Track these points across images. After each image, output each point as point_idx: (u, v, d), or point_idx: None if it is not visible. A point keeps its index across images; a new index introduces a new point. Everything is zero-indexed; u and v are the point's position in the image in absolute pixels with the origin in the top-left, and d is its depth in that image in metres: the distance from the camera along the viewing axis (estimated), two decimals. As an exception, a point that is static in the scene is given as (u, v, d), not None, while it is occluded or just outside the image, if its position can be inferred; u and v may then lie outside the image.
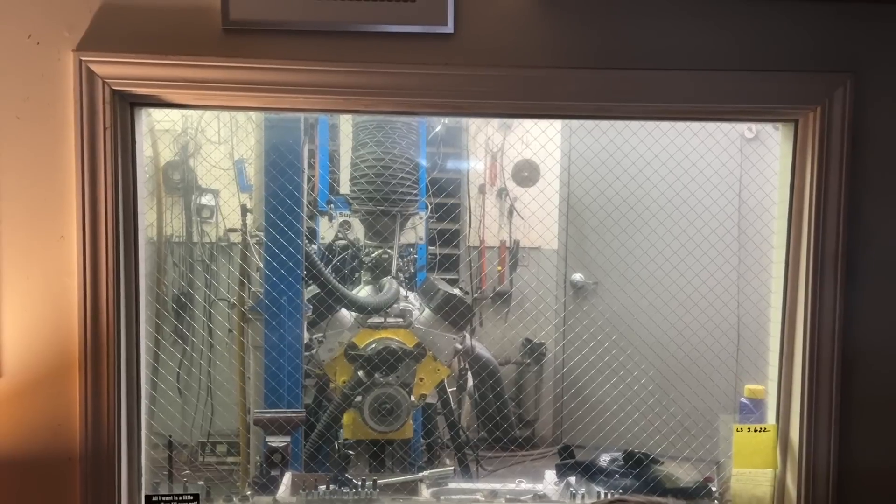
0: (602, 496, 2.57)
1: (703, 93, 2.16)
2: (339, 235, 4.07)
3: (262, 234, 3.46)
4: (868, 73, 2.18)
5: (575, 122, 3.53)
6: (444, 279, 4.46)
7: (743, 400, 2.55)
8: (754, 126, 4.14)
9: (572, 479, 2.71)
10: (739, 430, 2.38)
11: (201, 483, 2.66)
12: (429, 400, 3.88)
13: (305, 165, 3.54)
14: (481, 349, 4.20)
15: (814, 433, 2.26)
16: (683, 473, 2.73)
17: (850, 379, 2.26)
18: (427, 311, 3.84)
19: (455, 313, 3.73)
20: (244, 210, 3.77)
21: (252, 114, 3.67)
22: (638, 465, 2.64)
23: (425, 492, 2.85)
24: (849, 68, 2.17)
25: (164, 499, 2.30)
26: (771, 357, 2.39)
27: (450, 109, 2.30)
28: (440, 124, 4.35)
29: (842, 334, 2.23)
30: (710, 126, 2.95)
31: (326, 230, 4.17)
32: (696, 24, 2.14)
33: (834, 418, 2.25)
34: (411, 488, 2.87)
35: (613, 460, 2.68)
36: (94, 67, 2.03)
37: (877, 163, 2.21)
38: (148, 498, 2.28)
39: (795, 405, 2.29)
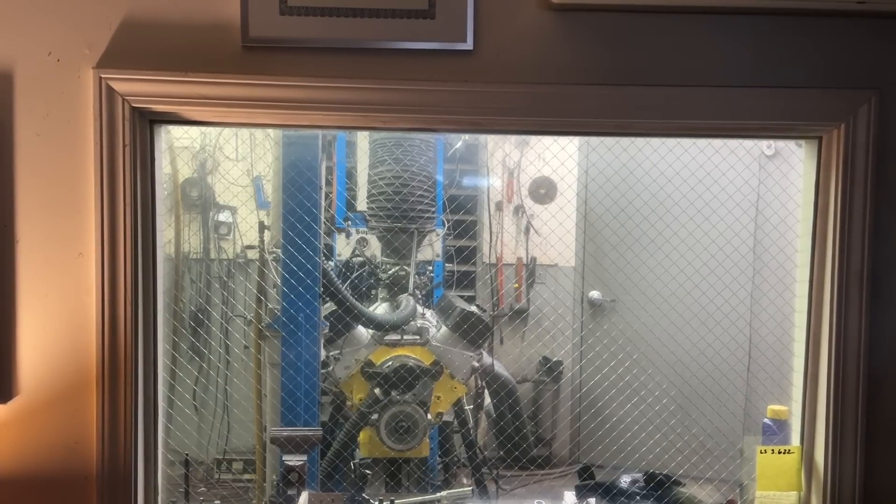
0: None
1: (725, 109, 2.14)
2: (356, 252, 4.07)
3: (279, 250, 3.45)
4: (892, 90, 2.15)
5: (594, 139, 3.52)
6: (461, 296, 4.45)
7: (766, 421, 2.51)
8: (774, 143, 4.13)
9: (592, 501, 2.68)
10: (763, 451, 2.34)
11: (217, 501, 2.64)
12: (445, 418, 3.85)
13: (323, 182, 3.54)
14: (498, 367, 4.18)
15: (839, 455, 2.22)
16: (706, 496, 2.70)
17: (876, 400, 2.22)
18: (444, 328, 3.82)
19: (472, 331, 3.71)
20: (261, 227, 3.77)
21: (270, 131, 3.68)
22: (659, 487, 2.60)
23: (443, 512, 2.82)
24: (873, 85, 2.14)
25: (180, 518, 2.28)
26: (795, 377, 2.36)
27: (469, 126, 2.29)
28: (461, 140, 4.35)
29: (867, 354, 2.19)
30: (732, 143, 2.92)
31: (343, 247, 4.17)
32: (718, 41, 2.13)
33: (859, 440, 2.20)
34: (429, 508, 2.84)
35: (634, 482, 2.64)
36: (113, 84, 2.03)
37: (902, 180, 2.18)
38: (164, 517, 2.26)
39: (820, 426, 2.25)
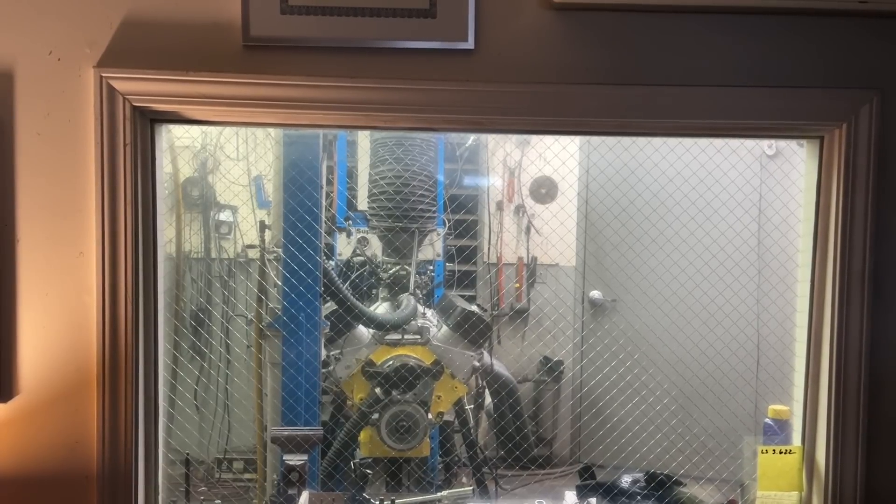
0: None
1: (726, 109, 2.14)
2: (357, 252, 4.07)
3: (279, 250, 3.45)
4: (894, 89, 2.15)
5: (595, 139, 3.52)
6: (461, 296, 4.44)
7: (767, 421, 2.51)
8: (775, 143, 4.12)
9: (593, 501, 2.67)
10: (764, 451, 2.33)
11: (218, 501, 2.64)
12: (446, 418, 3.85)
13: (324, 182, 3.54)
14: (499, 367, 4.17)
15: (840, 455, 2.21)
16: (707, 496, 2.69)
17: (878, 400, 2.21)
18: (445, 328, 3.82)
19: (473, 330, 3.71)
20: (262, 226, 3.77)
21: (271, 130, 3.68)
22: (660, 487, 2.59)
23: (444, 512, 2.82)
24: (874, 85, 2.14)
25: (180, 517, 2.28)
26: (796, 377, 2.35)
27: (470, 126, 2.29)
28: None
29: (869, 354, 2.18)
30: (733, 143, 2.92)
31: (344, 247, 4.17)
32: (718, 41, 2.12)
33: (861, 440, 2.20)
34: (430, 508, 2.84)
35: (635, 481, 2.64)
36: (114, 84, 2.03)
37: (904, 180, 2.17)
38: (164, 516, 2.26)
39: (822, 426, 2.25)
